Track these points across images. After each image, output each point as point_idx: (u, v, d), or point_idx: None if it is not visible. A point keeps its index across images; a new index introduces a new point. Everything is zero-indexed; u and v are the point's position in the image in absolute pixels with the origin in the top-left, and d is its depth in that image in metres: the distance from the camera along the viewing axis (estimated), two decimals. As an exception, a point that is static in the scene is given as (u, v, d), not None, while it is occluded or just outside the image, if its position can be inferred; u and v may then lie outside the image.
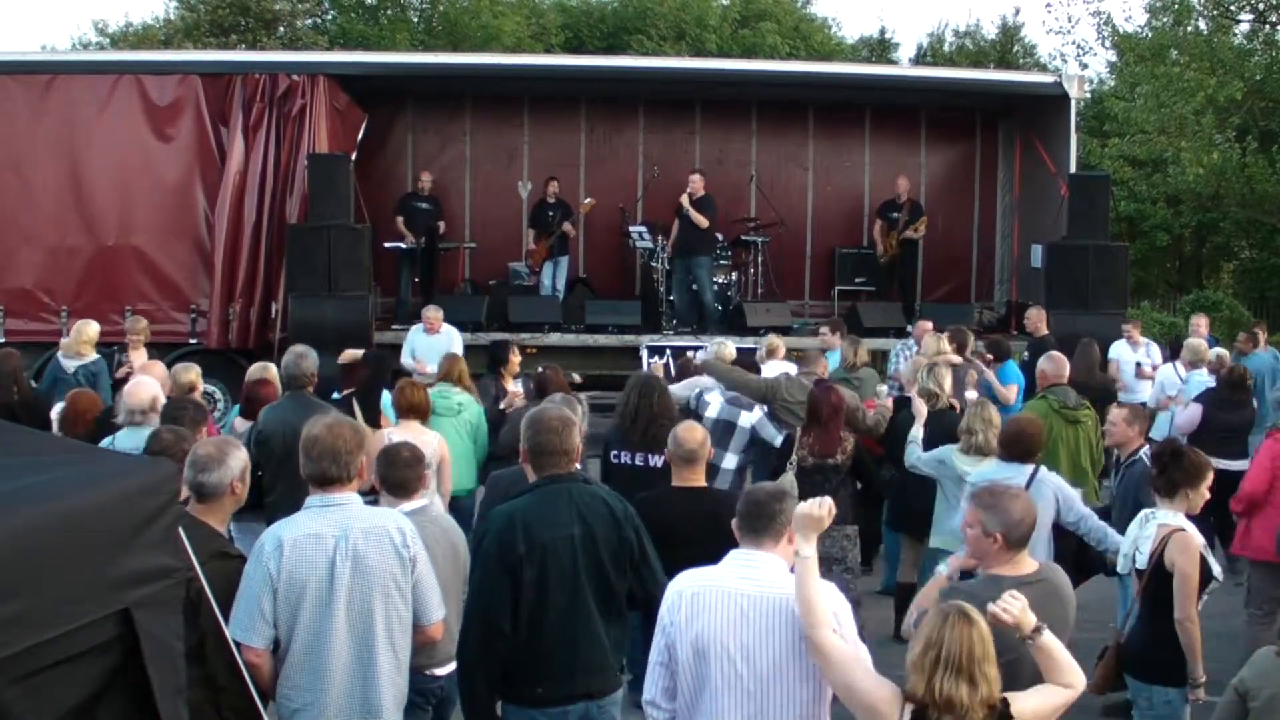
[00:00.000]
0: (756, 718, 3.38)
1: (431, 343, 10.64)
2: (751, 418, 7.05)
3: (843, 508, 6.60)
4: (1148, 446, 6.24)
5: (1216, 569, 4.76)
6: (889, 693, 3.18)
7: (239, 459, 4.03)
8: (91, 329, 8.98)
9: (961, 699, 3.03)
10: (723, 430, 6.98)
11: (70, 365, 8.69)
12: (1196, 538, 4.72)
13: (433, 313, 10.97)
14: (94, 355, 8.80)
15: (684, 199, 12.77)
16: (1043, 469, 5.81)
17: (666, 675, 3.54)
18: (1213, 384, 9.03)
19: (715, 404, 7.17)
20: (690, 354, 10.44)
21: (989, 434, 6.18)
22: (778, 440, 6.92)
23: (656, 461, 5.83)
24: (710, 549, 4.76)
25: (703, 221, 12.74)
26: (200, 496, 3.93)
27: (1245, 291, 24.99)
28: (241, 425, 6.70)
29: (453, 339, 10.72)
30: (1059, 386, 7.56)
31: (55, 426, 7.18)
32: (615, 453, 6.27)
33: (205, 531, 3.78)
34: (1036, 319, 10.99)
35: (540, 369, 7.79)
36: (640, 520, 4.13)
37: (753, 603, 3.41)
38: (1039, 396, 7.64)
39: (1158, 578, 4.67)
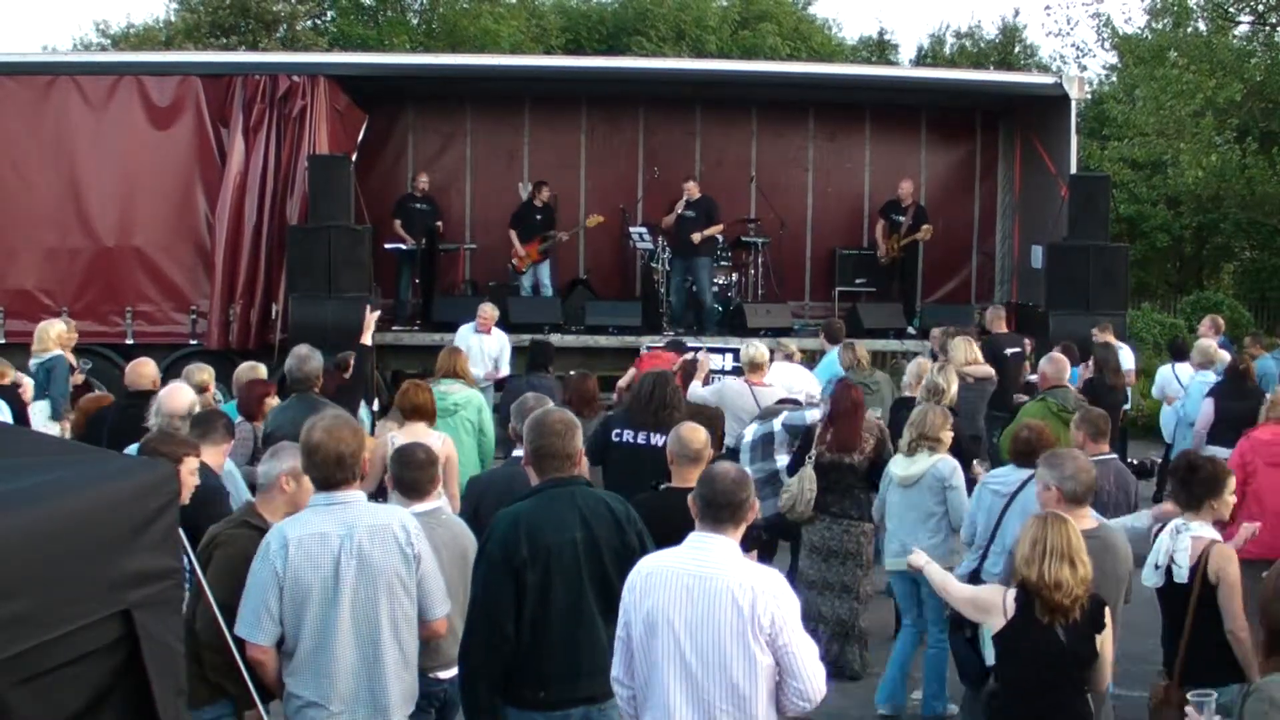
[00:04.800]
0: (696, 695, 3.44)
1: (483, 341, 10.62)
2: (780, 419, 7.32)
3: (860, 506, 6.69)
4: (1107, 454, 6.23)
5: None
6: (992, 591, 4.24)
7: (294, 458, 4.23)
8: (54, 328, 8.94)
9: (1066, 577, 3.95)
10: (764, 443, 7.28)
11: (33, 365, 8.75)
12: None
13: (488, 310, 10.91)
14: (55, 352, 8.78)
15: (679, 205, 13.09)
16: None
17: (627, 653, 3.60)
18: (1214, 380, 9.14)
19: (750, 430, 7.45)
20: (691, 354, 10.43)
21: (911, 432, 6.33)
22: (808, 417, 7.17)
23: (658, 440, 6.00)
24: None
25: (715, 229, 13.07)
26: (258, 486, 4.46)
27: (1245, 293, 24.93)
28: (244, 429, 6.66)
29: (504, 344, 10.76)
30: (1059, 389, 7.53)
31: (42, 425, 7.21)
32: (617, 432, 6.43)
33: (247, 510, 4.34)
34: (994, 317, 10.97)
35: (571, 372, 7.83)
36: (642, 523, 4.13)
37: (699, 582, 3.46)
38: (1038, 398, 7.63)
39: (1204, 593, 4.62)
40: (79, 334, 9.81)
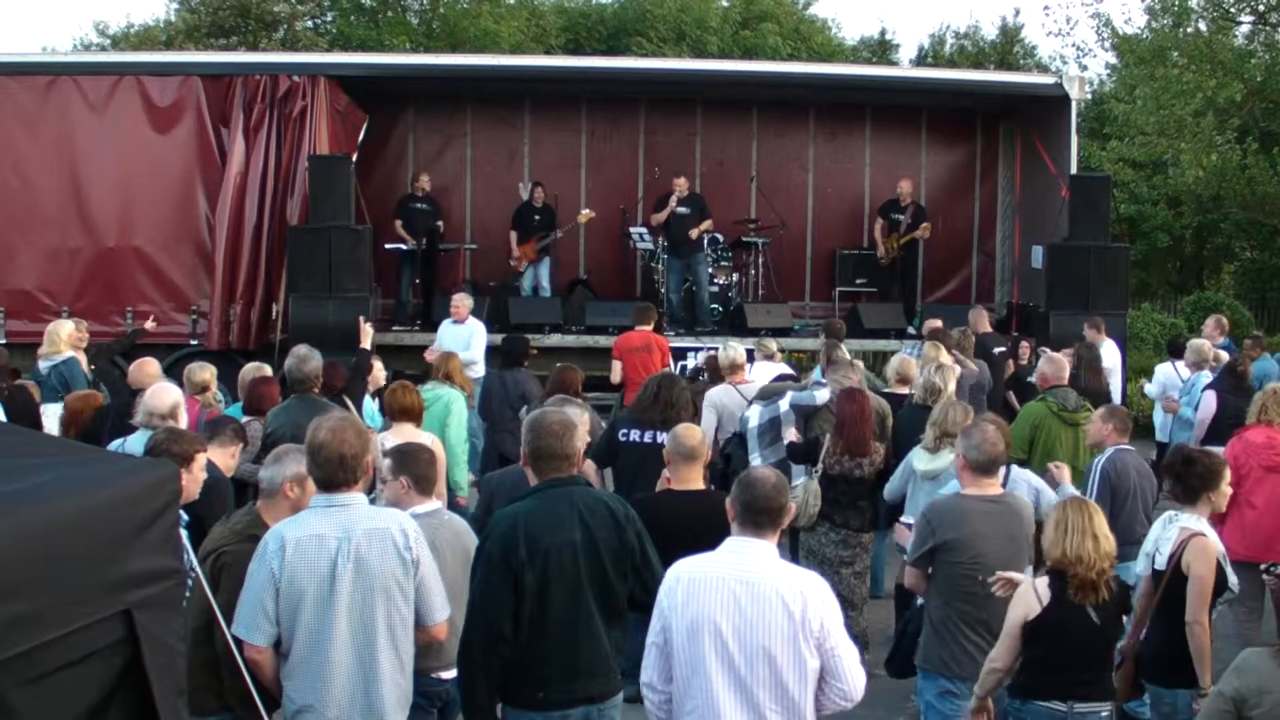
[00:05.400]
0: (746, 697, 3.48)
1: (455, 331, 10.62)
2: (786, 399, 7.26)
3: (862, 517, 6.72)
4: (1124, 447, 6.26)
5: (1233, 580, 4.79)
6: (1020, 591, 4.34)
7: (296, 464, 4.17)
8: (64, 329, 8.88)
9: (1089, 551, 4.20)
10: (769, 425, 7.23)
11: (44, 367, 8.65)
12: (1216, 544, 4.74)
13: (460, 299, 10.94)
14: (68, 354, 8.69)
15: (672, 201, 13.06)
16: (1015, 467, 5.89)
17: (662, 658, 3.61)
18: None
19: (754, 413, 7.36)
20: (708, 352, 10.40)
21: (934, 430, 6.43)
22: (817, 399, 7.10)
23: (664, 439, 6.03)
24: (710, 551, 4.78)
25: (707, 224, 13.06)
26: (260, 491, 4.29)
27: (1246, 293, 24.96)
28: (257, 429, 6.67)
29: (474, 331, 10.70)
30: (1059, 389, 7.53)
31: (56, 428, 7.18)
32: (624, 431, 6.53)
33: (252, 519, 4.20)
34: (976, 318, 11.02)
35: (557, 365, 7.81)
36: (641, 523, 4.13)
37: (746, 588, 3.51)
38: (1038, 398, 7.62)
39: (1175, 581, 4.67)
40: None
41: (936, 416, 6.42)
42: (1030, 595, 4.31)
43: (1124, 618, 4.42)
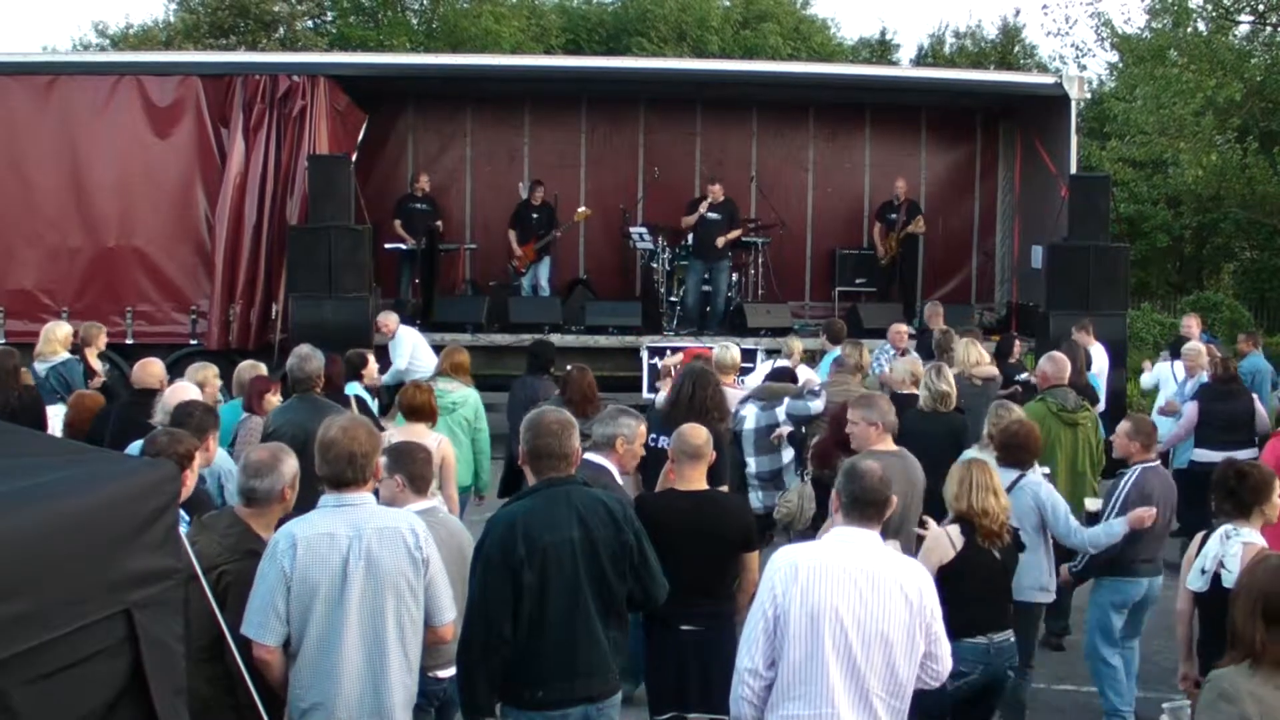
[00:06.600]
0: (854, 681, 3.59)
1: (392, 348, 10.64)
2: (783, 408, 7.26)
3: None
4: (1157, 461, 6.24)
5: None
6: (932, 536, 4.97)
7: (291, 466, 4.07)
8: (61, 330, 8.80)
9: (992, 505, 4.93)
10: (766, 430, 7.23)
11: (41, 368, 8.54)
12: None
13: (382, 318, 10.89)
14: (65, 355, 8.60)
15: (703, 206, 13.10)
16: (1028, 477, 5.87)
17: (769, 643, 3.63)
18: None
19: (751, 414, 7.31)
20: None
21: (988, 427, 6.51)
22: (812, 407, 7.18)
23: None
24: (710, 551, 4.77)
25: (736, 232, 13.21)
26: (249, 501, 4.02)
27: (1245, 292, 24.95)
28: (257, 424, 6.65)
29: (401, 339, 10.62)
30: (1058, 388, 7.50)
31: (59, 429, 7.17)
32: (653, 436, 6.30)
33: (242, 530, 3.96)
34: (931, 314, 11.07)
35: (569, 368, 7.69)
36: (640, 522, 4.13)
37: (868, 577, 3.64)
38: (1038, 398, 7.60)
39: None
40: (75, 333, 9.63)
41: (994, 417, 6.45)
42: (944, 541, 4.90)
43: (1018, 554, 5.15)
